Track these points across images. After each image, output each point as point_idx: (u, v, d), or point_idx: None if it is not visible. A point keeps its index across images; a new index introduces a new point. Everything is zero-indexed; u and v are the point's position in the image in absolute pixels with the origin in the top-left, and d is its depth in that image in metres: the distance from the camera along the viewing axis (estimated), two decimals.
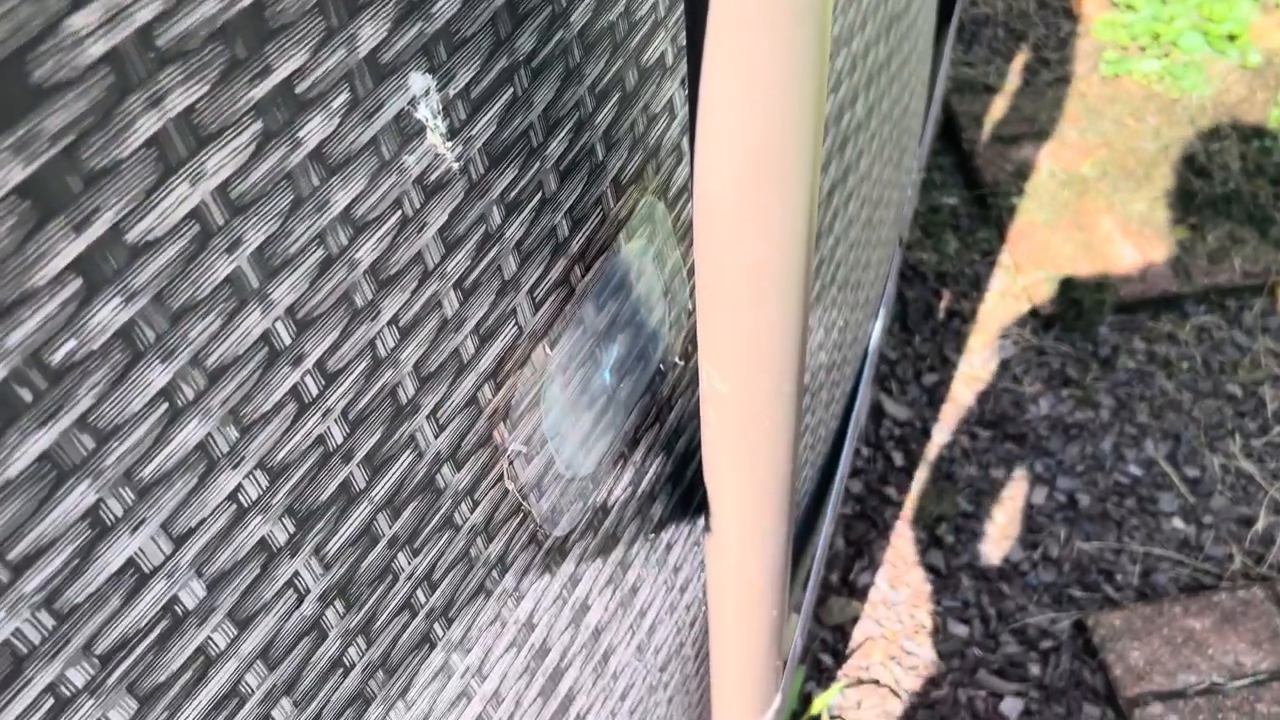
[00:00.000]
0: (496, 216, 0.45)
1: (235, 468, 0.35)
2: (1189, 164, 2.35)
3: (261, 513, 0.36)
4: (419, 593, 0.47)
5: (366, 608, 0.44)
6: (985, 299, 2.13)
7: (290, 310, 0.35)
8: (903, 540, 1.77)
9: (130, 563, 0.32)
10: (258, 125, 0.31)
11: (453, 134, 0.40)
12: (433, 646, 0.49)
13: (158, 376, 0.31)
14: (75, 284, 0.27)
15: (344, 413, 0.39)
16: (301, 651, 0.41)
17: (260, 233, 0.33)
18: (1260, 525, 1.76)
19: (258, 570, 0.37)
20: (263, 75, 0.31)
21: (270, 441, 0.36)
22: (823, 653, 1.65)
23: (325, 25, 0.33)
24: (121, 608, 0.32)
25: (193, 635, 0.35)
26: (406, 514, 0.44)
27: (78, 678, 0.31)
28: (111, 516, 0.31)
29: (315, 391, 0.37)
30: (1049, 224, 2.25)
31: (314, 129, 0.34)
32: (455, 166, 0.41)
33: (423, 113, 0.38)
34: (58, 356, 0.28)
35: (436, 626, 0.49)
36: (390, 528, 0.44)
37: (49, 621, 0.30)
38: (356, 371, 0.39)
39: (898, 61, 1.25)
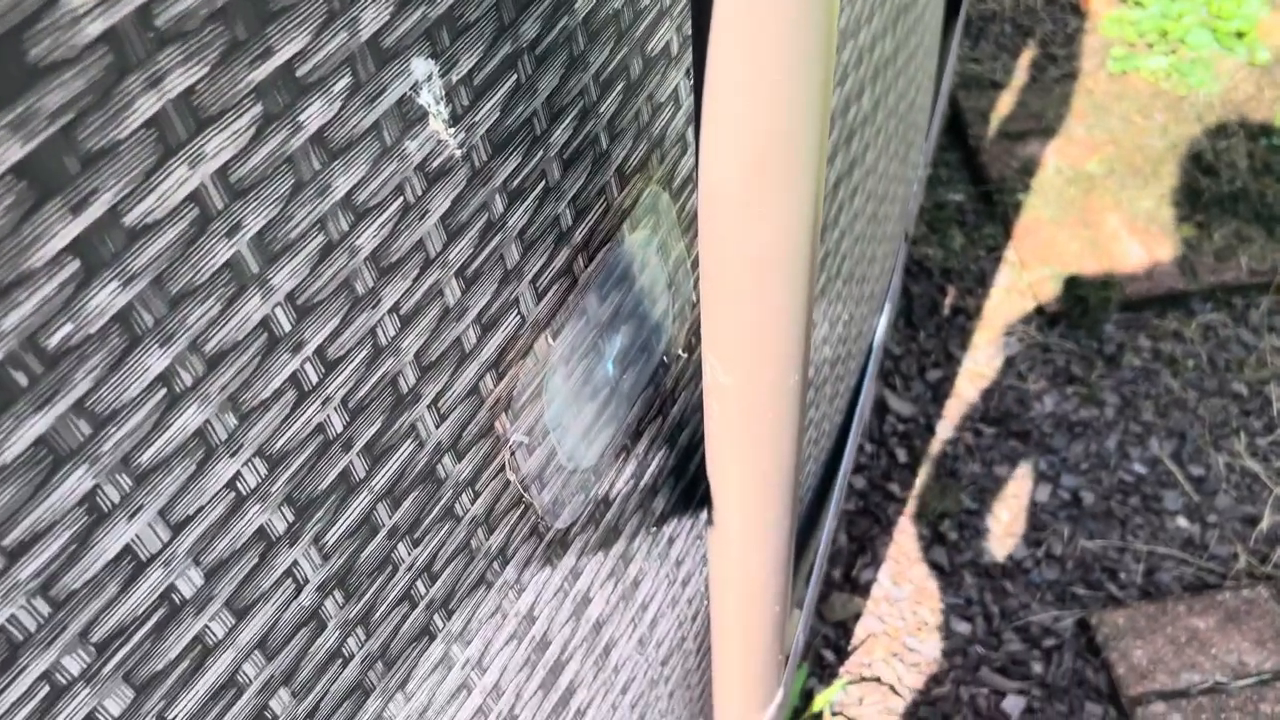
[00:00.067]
0: (499, 205, 0.44)
1: (234, 455, 0.34)
2: (1196, 161, 2.35)
3: (260, 501, 0.36)
4: (419, 584, 0.47)
5: (366, 598, 0.43)
6: (990, 295, 2.12)
7: (290, 296, 0.35)
8: (906, 537, 1.77)
9: (127, 550, 0.31)
10: (258, 108, 0.31)
11: (455, 120, 0.40)
12: (432, 638, 0.49)
13: (156, 362, 0.30)
14: (73, 266, 0.27)
15: (344, 401, 0.39)
16: (300, 642, 0.40)
17: (260, 217, 0.32)
18: (1265, 524, 1.75)
19: (256, 559, 0.37)
20: (264, 57, 0.31)
21: (269, 429, 0.35)
22: (825, 649, 1.65)
23: (327, 8, 0.32)
24: (118, 595, 0.32)
25: (190, 624, 0.35)
26: (407, 504, 0.44)
27: (73, 665, 0.31)
28: (108, 503, 0.30)
29: (315, 379, 0.37)
30: (1055, 221, 2.24)
31: (315, 113, 0.33)
32: (458, 153, 0.40)
33: (425, 98, 0.38)
34: (54, 340, 0.27)
35: (436, 618, 0.49)
36: (390, 518, 0.43)
37: (45, 608, 0.29)
38: (357, 359, 0.39)
39: (904, 56, 1.25)
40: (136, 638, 0.33)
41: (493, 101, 0.42)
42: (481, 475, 0.49)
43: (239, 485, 0.35)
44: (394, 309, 0.40)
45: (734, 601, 0.82)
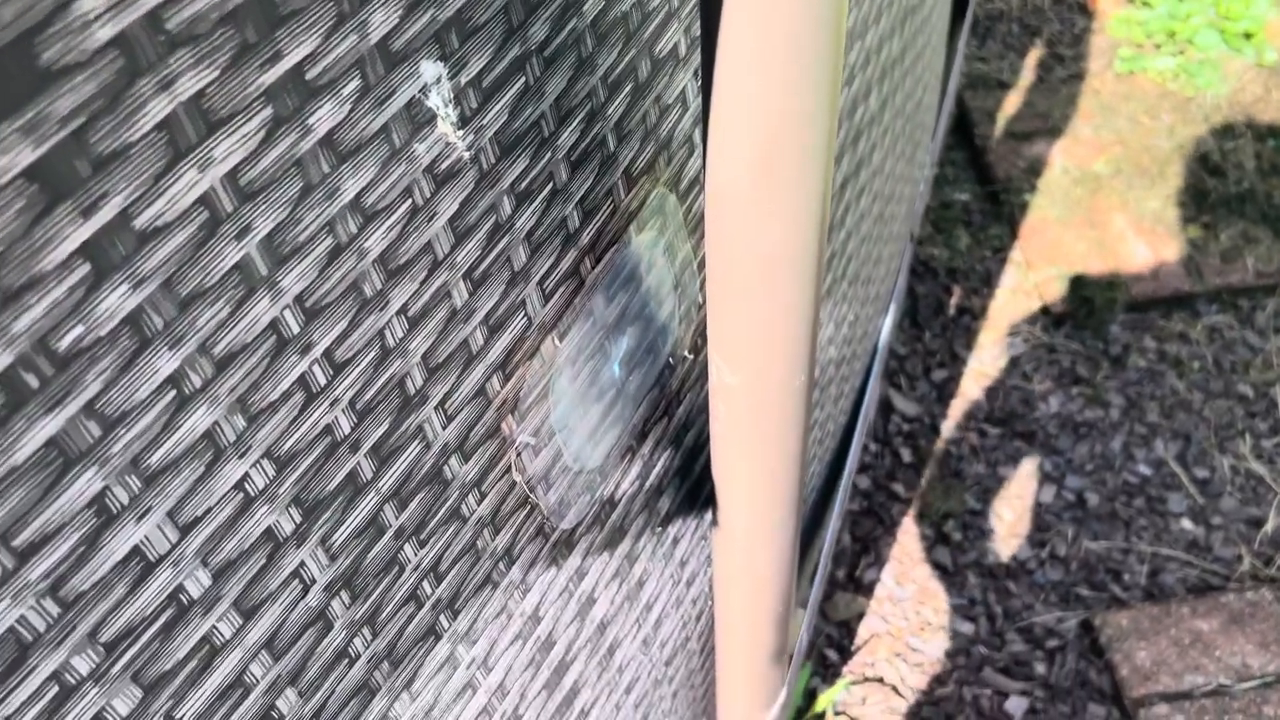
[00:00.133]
0: (507, 207, 0.44)
1: (242, 457, 0.34)
2: (1203, 162, 2.34)
3: (268, 502, 0.36)
4: (425, 584, 0.47)
5: (372, 599, 0.44)
6: (996, 295, 2.12)
7: (299, 299, 0.35)
8: (909, 537, 1.77)
9: (136, 551, 0.31)
10: (268, 111, 0.31)
11: (464, 123, 0.40)
12: (438, 638, 0.49)
13: (165, 364, 0.31)
14: (83, 269, 0.27)
15: (352, 403, 0.39)
16: (307, 642, 0.40)
17: (269, 220, 0.32)
18: (1269, 527, 1.75)
19: (264, 560, 0.37)
20: (273, 61, 0.31)
21: (277, 431, 0.36)
22: (828, 648, 1.65)
23: (336, 11, 0.32)
24: (127, 596, 0.32)
25: (198, 624, 0.35)
26: (413, 505, 0.44)
27: (82, 665, 0.31)
28: (117, 504, 0.30)
29: (323, 381, 0.37)
30: (1061, 221, 2.24)
31: (324, 116, 0.33)
32: (466, 156, 0.41)
33: (434, 101, 0.38)
34: (65, 342, 0.27)
35: (442, 618, 0.49)
36: (397, 519, 0.43)
37: (54, 609, 0.30)
38: (365, 361, 0.39)
39: (911, 56, 1.24)
40: (145, 638, 0.33)
41: (501, 104, 0.42)
42: (488, 476, 0.49)
43: (247, 486, 0.35)
44: (402, 311, 0.40)
45: (738, 601, 0.82)
